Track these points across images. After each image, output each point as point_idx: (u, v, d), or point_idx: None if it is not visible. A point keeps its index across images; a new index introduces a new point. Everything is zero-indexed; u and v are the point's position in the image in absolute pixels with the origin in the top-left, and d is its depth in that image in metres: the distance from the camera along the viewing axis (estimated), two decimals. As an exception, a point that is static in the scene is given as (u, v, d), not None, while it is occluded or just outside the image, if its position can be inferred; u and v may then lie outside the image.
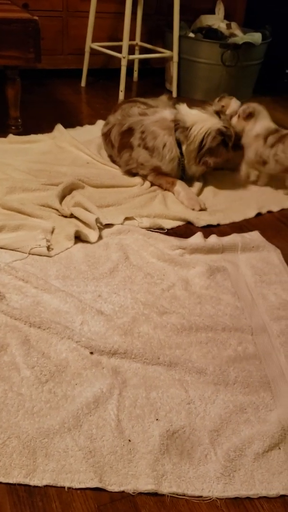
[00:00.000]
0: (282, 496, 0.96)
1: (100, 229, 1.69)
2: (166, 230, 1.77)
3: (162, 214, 1.85)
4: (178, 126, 2.00)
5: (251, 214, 1.95)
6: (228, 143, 2.04)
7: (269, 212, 2.00)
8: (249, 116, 2.11)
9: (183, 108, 2.06)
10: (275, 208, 2.02)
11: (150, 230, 1.75)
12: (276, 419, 1.09)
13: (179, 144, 2.00)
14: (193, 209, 1.91)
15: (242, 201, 2.05)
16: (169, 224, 1.81)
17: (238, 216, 1.93)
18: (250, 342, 1.31)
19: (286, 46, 3.45)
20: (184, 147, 2.01)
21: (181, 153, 2.01)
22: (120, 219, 1.77)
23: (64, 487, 0.93)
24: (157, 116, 2.06)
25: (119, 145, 2.11)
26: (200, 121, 2.00)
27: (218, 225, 1.85)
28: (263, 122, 2.11)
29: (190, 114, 2.02)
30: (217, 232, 1.79)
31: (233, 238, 1.73)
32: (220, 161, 2.07)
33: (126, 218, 1.79)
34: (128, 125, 2.08)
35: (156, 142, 1.99)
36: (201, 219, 1.85)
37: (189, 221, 1.84)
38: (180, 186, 2.01)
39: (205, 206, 1.94)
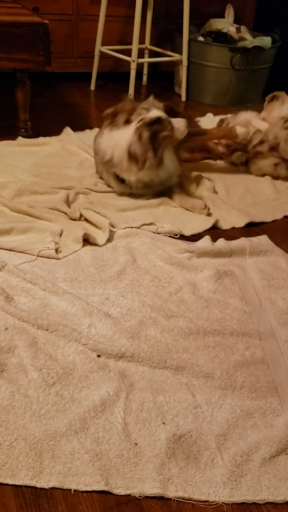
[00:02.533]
0: (289, 502, 0.96)
1: (111, 232, 1.69)
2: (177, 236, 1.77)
3: (183, 219, 1.85)
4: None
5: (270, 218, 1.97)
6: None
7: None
8: (274, 98, 2.19)
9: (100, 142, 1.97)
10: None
11: (170, 237, 1.74)
12: (284, 424, 1.08)
13: None
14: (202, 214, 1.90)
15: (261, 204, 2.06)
16: (190, 230, 1.80)
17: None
18: (258, 347, 1.31)
19: (296, 50, 3.44)
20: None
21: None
22: (138, 223, 1.77)
23: (70, 490, 0.93)
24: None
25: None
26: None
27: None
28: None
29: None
30: (225, 235, 1.78)
31: (241, 242, 1.73)
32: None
33: (144, 224, 1.78)
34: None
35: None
36: (228, 221, 1.87)
37: (215, 224, 1.84)
38: (176, 197, 1.97)
39: (207, 209, 1.93)
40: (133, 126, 1.83)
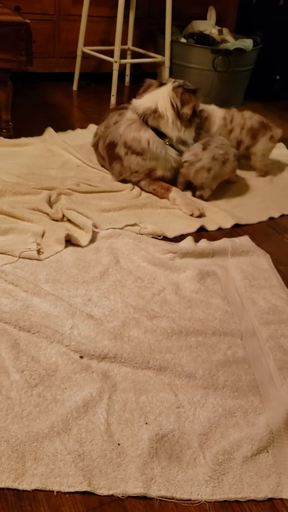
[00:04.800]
0: (270, 499, 0.97)
1: (94, 233, 1.69)
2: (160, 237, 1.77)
3: (168, 221, 1.86)
4: (147, 116, 2.02)
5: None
6: (192, 90, 2.07)
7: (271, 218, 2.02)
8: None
9: (135, 101, 2.09)
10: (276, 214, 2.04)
11: (153, 237, 1.75)
12: (265, 423, 1.10)
13: (158, 134, 2.02)
14: (191, 215, 1.91)
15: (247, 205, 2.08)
16: (173, 232, 1.80)
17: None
18: (240, 346, 1.32)
19: (277, 52, 3.48)
20: (163, 126, 2.02)
21: (162, 136, 2.03)
22: (121, 224, 1.77)
23: (53, 491, 0.93)
24: (125, 121, 2.06)
25: (108, 157, 2.11)
26: (157, 96, 2.04)
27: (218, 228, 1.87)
28: None
29: (144, 99, 2.06)
30: (207, 236, 1.80)
31: (223, 242, 1.75)
32: (193, 104, 2.04)
33: (128, 225, 1.78)
34: (109, 138, 2.09)
35: (142, 145, 2.00)
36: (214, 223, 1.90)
37: (202, 226, 1.85)
38: (175, 192, 2.01)
39: (203, 211, 1.94)
40: (169, 85, 2.05)
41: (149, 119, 2.01)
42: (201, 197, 2.04)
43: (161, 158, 2.02)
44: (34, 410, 1.06)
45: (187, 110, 2.02)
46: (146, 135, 2.00)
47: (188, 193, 2.07)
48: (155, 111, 2.01)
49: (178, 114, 2.02)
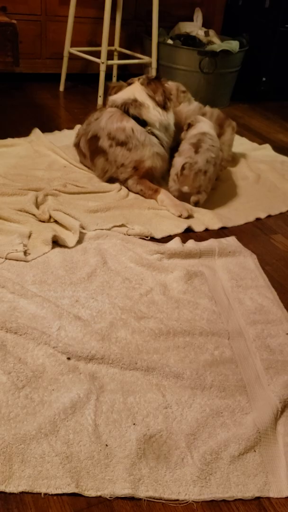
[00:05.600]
0: (257, 498, 0.97)
1: (81, 234, 1.69)
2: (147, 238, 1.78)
3: (156, 222, 1.86)
4: (128, 105, 2.06)
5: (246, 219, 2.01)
6: (155, 78, 2.17)
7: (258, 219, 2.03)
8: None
9: (111, 97, 2.16)
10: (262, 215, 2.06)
11: (142, 239, 1.75)
12: (252, 422, 1.10)
13: (139, 122, 2.05)
14: (180, 216, 1.92)
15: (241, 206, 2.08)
16: (160, 233, 1.80)
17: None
18: (227, 346, 1.33)
19: (263, 54, 3.51)
20: (146, 113, 2.07)
21: (143, 125, 2.06)
22: (109, 225, 1.77)
23: (40, 494, 0.93)
24: (106, 113, 2.08)
25: (90, 153, 2.11)
26: (131, 90, 2.12)
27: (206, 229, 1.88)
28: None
29: (120, 94, 2.13)
30: (195, 237, 1.80)
31: (211, 243, 1.75)
32: (161, 90, 2.12)
33: (115, 226, 1.78)
34: (92, 132, 2.09)
35: (126, 132, 2.01)
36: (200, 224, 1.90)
37: (189, 227, 1.86)
38: (163, 194, 2.00)
39: (192, 212, 1.95)
40: (137, 81, 2.15)
41: (130, 108, 2.05)
42: (197, 203, 2.00)
43: (147, 145, 2.03)
44: (21, 412, 1.06)
45: (159, 97, 2.09)
46: (130, 124, 2.02)
47: None
48: (135, 100, 2.07)
49: (155, 102, 2.09)
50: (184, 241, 1.75)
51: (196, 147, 1.98)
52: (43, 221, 1.75)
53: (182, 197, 2.01)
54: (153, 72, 3.23)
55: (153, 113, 2.07)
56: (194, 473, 0.99)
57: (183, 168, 1.94)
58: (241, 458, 1.03)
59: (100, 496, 0.94)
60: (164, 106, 2.11)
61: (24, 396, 1.09)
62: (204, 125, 2.13)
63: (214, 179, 2.07)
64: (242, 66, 3.39)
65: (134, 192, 2.06)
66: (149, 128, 2.05)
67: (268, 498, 0.98)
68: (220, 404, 1.15)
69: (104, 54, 2.92)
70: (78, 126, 2.61)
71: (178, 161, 1.98)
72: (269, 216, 2.05)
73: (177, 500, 0.95)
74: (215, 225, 1.90)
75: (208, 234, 1.85)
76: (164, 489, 0.96)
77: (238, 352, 1.32)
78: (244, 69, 3.43)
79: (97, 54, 2.98)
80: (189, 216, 1.92)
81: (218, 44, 3.28)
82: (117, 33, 3.35)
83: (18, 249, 1.55)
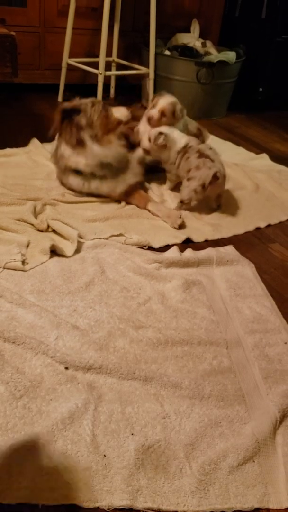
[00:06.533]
0: (257, 509, 0.97)
1: (79, 243, 1.69)
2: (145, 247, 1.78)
3: (154, 232, 1.86)
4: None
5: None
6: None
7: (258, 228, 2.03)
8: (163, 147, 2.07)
9: None
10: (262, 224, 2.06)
11: (140, 248, 1.75)
12: (251, 432, 1.10)
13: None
14: (175, 227, 1.90)
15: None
16: (158, 242, 1.80)
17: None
18: (225, 355, 1.33)
19: (260, 64, 3.53)
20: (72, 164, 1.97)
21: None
22: (107, 235, 1.77)
23: (37, 505, 0.92)
24: None
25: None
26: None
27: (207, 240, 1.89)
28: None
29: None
30: (193, 246, 1.80)
31: (208, 252, 1.75)
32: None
33: (113, 235, 1.78)
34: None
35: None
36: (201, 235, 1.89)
37: (188, 237, 1.85)
38: (152, 205, 1.99)
39: (183, 219, 1.94)
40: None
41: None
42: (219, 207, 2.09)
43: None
44: (19, 422, 1.05)
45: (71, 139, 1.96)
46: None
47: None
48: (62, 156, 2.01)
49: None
50: (182, 250, 1.75)
51: (205, 156, 1.98)
52: (41, 231, 1.75)
53: (205, 204, 2.05)
54: (150, 84, 3.24)
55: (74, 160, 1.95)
56: (193, 484, 0.98)
57: (216, 177, 1.93)
58: (240, 469, 1.03)
59: (98, 508, 0.93)
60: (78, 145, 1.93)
61: (22, 406, 1.09)
62: (184, 137, 2.10)
63: None
64: (239, 77, 3.42)
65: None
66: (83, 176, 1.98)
67: (268, 510, 0.97)
68: (219, 414, 1.14)
69: (102, 65, 2.93)
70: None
71: (199, 173, 1.95)
72: (268, 226, 2.06)
73: (176, 511, 0.94)
74: (215, 236, 1.90)
75: (206, 243, 1.85)
76: (163, 500, 0.95)
77: (236, 362, 1.31)
78: (241, 79, 3.45)
79: (95, 65, 3.00)
80: (182, 224, 1.92)
81: (215, 54, 3.31)
82: (115, 44, 3.37)
83: (16, 258, 1.55)
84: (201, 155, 1.99)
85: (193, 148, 2.03)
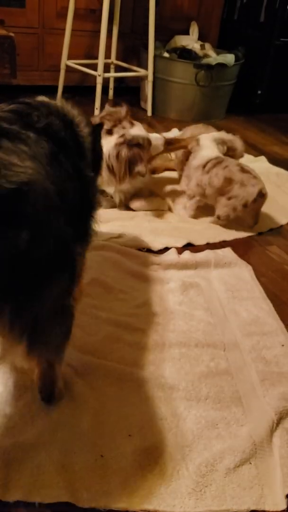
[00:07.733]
0: (253, 511, 0.97)
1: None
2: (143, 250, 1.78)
3: (154, 235, 1.86)
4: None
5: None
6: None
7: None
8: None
9: None
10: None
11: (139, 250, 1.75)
12: (247, 434, 1.10)
13: None
14: None
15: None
16: (158, 245, 1.80)
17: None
18: (223, 357, 1.33)
19: (258, 67, 3.54)
20: None
21: None
22: (106, 236, 1.77)
23: (34, 503, 0.92)
24: None
25: None
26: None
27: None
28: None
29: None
30: (191, 248, 1.81)
31: (206, 254, 1.76)
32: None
33: (112, 237, 1.79)
34: None
35: None
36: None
37: (189, 241, 1.85)
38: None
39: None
40: (113, 139, 1.87)
41: None
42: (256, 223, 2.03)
43: None
44: (20, 421, 1.05)
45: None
46: None
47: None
48: None
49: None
50: (180, 252, 1.76)
51: (237, 169, 1.92)
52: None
53: (241, 220, 1.99)
54: (149, 86, 3.25)
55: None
56: (190, 485, 0.98)
57: (261, 194, 1.90)
58: (237, 471, 1.03)
59: (94, 508, 0.93)
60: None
61: (23, 405, 1.09)
62: (207, 150, 2.04)
63: None
64: (237, 79, 3.43)
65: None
66: None
67: (264, 511, 0.97)
68: (216, 416, 1.15)
69: (101, 67, 2.94)
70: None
71: (243, 191, 1.88)
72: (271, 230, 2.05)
73: (173, 512, 0.94)
74: (216, 238, 1.90)
75: (204, 245, 1.86)
76: (159, 501, 0.95)
77: (233, 364, 1.32)
78: (239, 82, 3.46)
79: (94, 67, 3.01)
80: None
81: (213, 57, 3.32)
82: (114, 46, 3.38)
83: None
84: (242, 169, 1.93)
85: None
